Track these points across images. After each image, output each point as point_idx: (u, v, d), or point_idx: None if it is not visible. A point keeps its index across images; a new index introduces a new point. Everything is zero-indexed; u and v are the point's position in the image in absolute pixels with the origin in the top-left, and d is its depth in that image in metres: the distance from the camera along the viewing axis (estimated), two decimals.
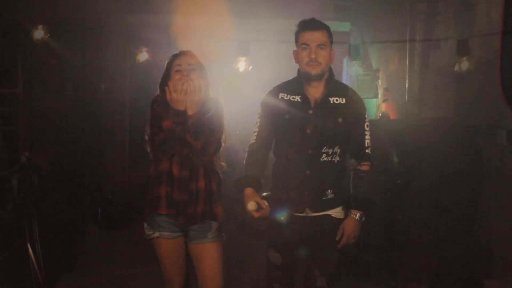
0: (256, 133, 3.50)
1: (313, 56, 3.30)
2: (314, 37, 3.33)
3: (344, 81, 10.18)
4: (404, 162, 4.57)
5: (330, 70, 3.44)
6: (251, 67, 7.82)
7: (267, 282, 3.56)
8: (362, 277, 5.34)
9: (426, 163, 4.67)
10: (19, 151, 5.49)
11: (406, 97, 6.17)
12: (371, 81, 8.22)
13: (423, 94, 6.28)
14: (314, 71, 3.32)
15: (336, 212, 3.45)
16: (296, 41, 3.44)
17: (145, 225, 3.58)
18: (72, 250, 6.31)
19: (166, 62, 3.64)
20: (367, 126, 3.41)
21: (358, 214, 3.33)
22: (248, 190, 3.31)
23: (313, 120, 3.32)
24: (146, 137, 3.64)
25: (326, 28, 3.40)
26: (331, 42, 3.41)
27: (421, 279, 4.90)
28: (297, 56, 3.44)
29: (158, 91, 3.67)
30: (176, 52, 3.69)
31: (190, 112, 3.42)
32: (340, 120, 3.33)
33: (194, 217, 3.46)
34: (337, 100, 3.37)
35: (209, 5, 8.47)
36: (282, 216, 3.39)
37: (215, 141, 3.51)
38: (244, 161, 3.54)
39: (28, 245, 4.88)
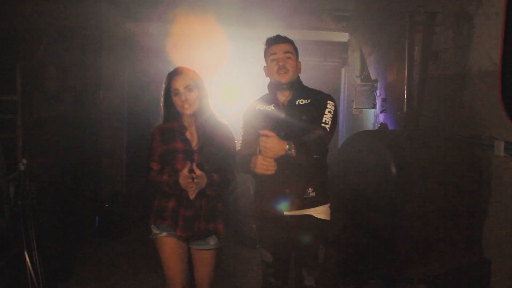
0: (241, 141, 3.73)
1: (281, 63, 3.60)
2: (281, 47, 3.66)
3: (342, 92, 10.22)
4: (402, 172, 4.58)
5: (298, 78, 3.73)
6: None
7: (263, 279, 3.84)
8: (357, 286, 5.34)
9: (424, 173, 4.68)
10: (17, 158, 5.48)
11: (405, 107, 6.17)
12: (369, 91, 8.24)
13: (421, 105, 6.29)
14: (284, 79, 3.61)
15: (319, 213, 3.62)
16: (265, 56, 3.75)
17: (153, 226, 3.75)
18: (69, 258, 6.30)
19: (164, 81, 3.76)
20: (329, 111, 3.57)
21: (288, 144, 3.31)
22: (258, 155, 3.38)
23: (284, 122, 3.56)
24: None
25: (290, 42, 3.73)
26: (297, 54, 3.73)
27: None
28: (267, 70, 3.75)
29: (161, 110, 3.81)
30: (172, 65, 3.86)
31: (194, 145, 3.70)
32: (304, 117, 3.55)
33: (198, 234, 3.68)
34: (302, 101, 3.63)
35: (207, 15, 8.50)
36: (267, 215, 3.63)
37: (222, 175, 3.72)
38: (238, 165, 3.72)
39: (26, 253, 4.87)
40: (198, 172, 3.54)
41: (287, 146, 3.25)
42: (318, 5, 9.43)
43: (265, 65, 3.76)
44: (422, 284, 4.82)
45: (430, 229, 4.72)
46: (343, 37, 9.96)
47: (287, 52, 3.63)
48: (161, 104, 3.78)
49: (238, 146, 3.72)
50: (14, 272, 4.94)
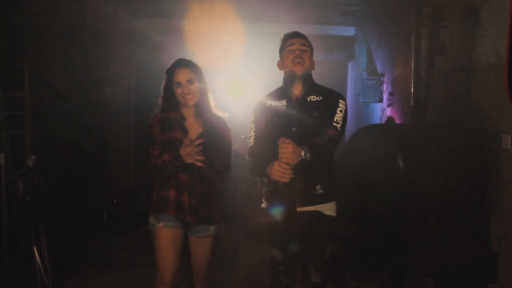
0: (253, 137, 3.75)
1: (297, 52, 3.64)
2: (298, 40, 3.71)
3: (349, 86, 10.22)
4: (409, 166, 4.58)
5: (311, 74, 3.76)
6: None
7: (272, 276, 3.78)
8: (365, 281, 5.35)
9: (431, 167, 4.67)
10: (25, 155, 5.51)
11: (411, 101, 6.17)
12: (376, 85, 8.24)
13: (428, 98, 6.29)
14: (299, 70, 3.64)
15: (327, 209, 3.63)
16: (281, 49, 3.80)
17: (151, 217, 3.81)
18: (77, 253, 6.33)
19: (165, 72, 3.86)
20: (340, 110, 3.60)
21: (304, 150, 3.34)
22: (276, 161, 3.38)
23: (295, 118, 3.58)
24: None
25: (307, 39, 3.78)
26: (312, 52, 3.77)
27: (426, 283, 4.91)
28: (281, 64, 3.79)
29: (159, 100, 3.88)
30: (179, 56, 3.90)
31: (193, 135, 3.77)
32: (315, 114, 3.57)
33: (204, 217, 3.77)
34: (314, 98, 3.65)
35: (214, 10, 8.51)
36: (277, 212, 3.61)
37: (220, 161, 3.82)
38: (251, 165, 3.69)
39: (34, 248, 4.90)
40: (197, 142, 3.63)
41: (303, 152, 3.28)
42: (325, 0, 9.43)
43: (279, 60, 3.80)
44: (429, 278, 4.83)
45: (437, 223, 4.71)
46: (350, 31, 9.96)
47: (304, 45, 3.68)
48: (161, 95, 3.87)
49: (250, 142, 3.73)
50: (23, 267, 4.97)
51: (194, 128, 3.80)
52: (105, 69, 8.96)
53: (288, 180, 3.32)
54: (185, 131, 3.76)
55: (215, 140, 3.79)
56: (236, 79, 8.98)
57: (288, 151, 3.24)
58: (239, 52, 8.69)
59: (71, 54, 7.59)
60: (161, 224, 3.72)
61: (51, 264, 5.06)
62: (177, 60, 3.87)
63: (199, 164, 3.64)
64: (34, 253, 4.89)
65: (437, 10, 6.10)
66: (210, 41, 8.86)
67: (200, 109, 3.85)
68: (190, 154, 3.58)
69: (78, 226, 6.83)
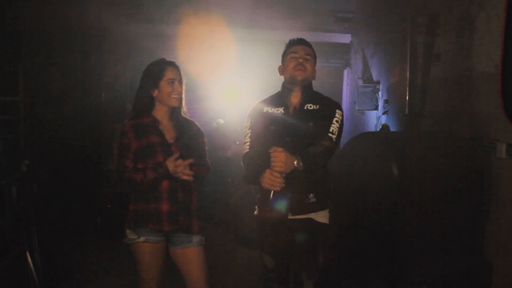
0: (248, 143, 3.69)
1: (300, 60, 3.61)
2: (303, 48, 3.69)
3: (344, 93, 10.23)
4: (404, 174, 4.58)
5: (311, 83, 3.73)
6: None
7: (264, 284, 3.78)
8: None
9: (426, 175, 4.67)
10: (19, 159, 5.49)
11: (407, 109, 6.18)
12: (371, 93, 8.25)
13: (423, 106, 6.29)
14: (300, 76, 3.60)
15: (319, 217, 3.61)
16: (284, 55, 3.76)
17: (128, 230, 3.70)
18: (71, 259, 6.30)
19: (150, 69, 3.77)
20: (337, 121, 3.56)
21: (297, 159, 3.28)
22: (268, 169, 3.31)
23: (291, 127, 3.54)
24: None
25: (312, 48, 3.76)
26: (315, 61, 3.76)
27: None
28: (282, 69, 3.76)
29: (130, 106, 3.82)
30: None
31: (169, 138, 3.69)
32: (311, 124, 3.54)
33: (183, 227, 3.65)
34: (311, 106, 3.61)
35: (209, 16, 8.51)
36: (268, 219, 3.58)
37: (201, 167, 3.75)
38: (245, 172, 3.63)
39: (27, 254, 4.88)
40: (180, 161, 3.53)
41: (296, 161, 3.23)
42: (321, 7, 9.45)
43: (280, 65, 3.78)
44: (424, 285, 4.83)
45: (432, 231, 4.72)
46: (346, 38, 9.98)
47: (307, 54, 3.66)
48: (136, 95, 3.77)
49: (245, 148, 3.68)
50: (15, 273, 4.95)
51: (168, 131, 3.70)
52: (100, 74, 8.94)
53: (279, 188, 3.27)
54: (160, 134, 3.65)
55: (190, 143, 3.72)
56: (230, 86, 8.98)
57: (281, 159, 3.19)
58: (233, 59, 8.68)
59: (66, 58, 7.58)
60: (141, 239, 3.62)
61: (44, 269, 5.04)
62: (162, 59, 3.78)
63: (187, 178, 3.55)
64: (27, 258, 4.87)
65: (433, 18, 6.12)
66: (204, 47, 8.86)
67: (176, 113, 3.77)
68: (179, 171, 3.50)
69: (71, 232, 6.80)
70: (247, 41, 8.64)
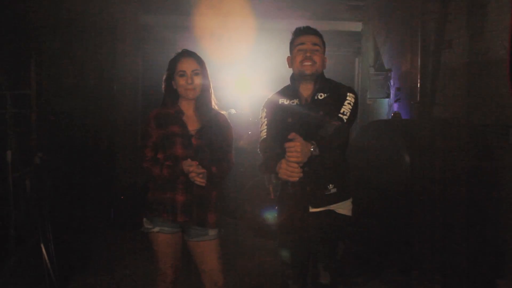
0: (265, 130, 3.60)
1: (308, 54, 3.49)
2: (310, 38, 3.55)
3: (355, 81, 10.19)
4: (416, 161, 4.57)
5: (322, 73, 3.62)
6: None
7: (281, 280, 3.67)
8: (371, 276, 5.34)
9: (438, 162, 4.66)
10: (32, 152, 5.52)
11: (418, 97, 6.15)
12: (383, 81, 8.22)
13: (435, 93, 6.27)
14: (309, 70, 3.50)
15: (340, 208, 3.52)
16: (291, 46, 3.64)
17: (145, 219, 3.71)
18: (84, 250, 6.35)
19: (168, 64, 3.74)
20: (349, 103, 3.47)
21: (312, 145, 3.15)
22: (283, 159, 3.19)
23: (305, 118, 3.45)
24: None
25: (320, 35, 3.62)
26: (324, 49, 3.61)
27: (433, 278, 4.89)
28: (291, 60, 3.63)
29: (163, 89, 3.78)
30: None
31: (191, 130, 3.65)
32: (322, 112, 3.45)
33: (197, 219, 3.63)
34: (321, 96, 3.53)
35: (221, 6, 8.50)
36: (288, 214, 3.49)
37: (219, 163, 3.68)
38: (262, 160, 3.54)
39: (42, 245, 4.91)
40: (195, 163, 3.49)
41: (312, 147, 3.10)
42: None
43: (289, 55, 3.66)
44: (437, 273, 4.82)
45: (445, 218, 4.71)
46: (357, 26, 9.93)
47: (315, 45, 3.53)
48: (163, 88, 3.76)
49: (262, 135, 3.59)
50: (30, 264, 4.98)
51: (192, 123, 3.67)
52: (112, 66, 8.96)
53: (297, 179, 3.13)
54: (183, 125, 3.63)
55: (214, 137, 3.67)
56: (243, 76, 8.96)
57: (296, 149, 3.05)
58: (246, 48, 8.67)
59: (78, 51, 7.59)
60: (156, 229, 3.64)
61: (58, 260, 5.08)
62: (182, 50, 3.74)
63: (199, 183, 3.49)
64: (41, 250, 4.90)
65: (444, 4, 6.08)
66: (217, 37, 8.85)
67: (200, 104, 3.71)
68: (191, 175, 3.46)
69: (85, 223, 6.84)
70: (259, 31, 8.61)
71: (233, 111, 8.13)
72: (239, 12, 8.49)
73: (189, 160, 3.48)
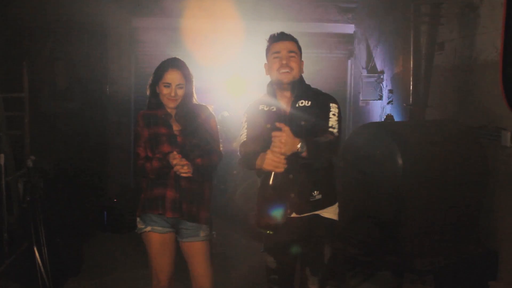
0: (245, 134, 3.58)
1: (284, 62, 3.43)
2: (285, 45, 3.48)
3: (348, 83, 10.20)
4: (408, 164, 4.58)
5: (301, 78, 3.57)
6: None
7: (266, 286, 3.66)
8: (365, 279, 5.35)
9: (430, 164, 4.68)
10: (25, 155, 5.51)
11: (411, 99, 6.17)
12: (375, 83, 8.24)
13: (427, 96, 6.29)
14: (286, 79, 3.45)
15: (326, 212, 3.50)
16: (267, 53, 3.59)
17: (138, 219, 3.78)
18: (77, 253, 6.33)
19: (155, 69, 3.82)
20: (334, 114, 3.42)
21: (301, 142, 3.12)
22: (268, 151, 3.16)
23: (286, 125, 3.26)
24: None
25: (295, 40, 3.55)
26: (301, 54, 3.55)
27: (426, 280, 4.91)
28: (268, 68, 3.58)
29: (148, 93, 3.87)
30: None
31: (176, 130, 3.74)
32: (302, 123, 3.40)
33: (187, 215, 3.68)
34: (302, 103, 3.47)
35: (213, 8, 8.50)
36: (270, 219, 3.29)
37: (206, 155, 3.75)
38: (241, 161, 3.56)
39: (35, 248, 4.90)
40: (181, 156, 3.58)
41: (300, 144, 3.08)
42: None
43: (266, 62, 3.61)
44: (429, 275, 4.84)
45: (437, 220, 4.72)
46: (349, 28, 9.95)
47: (291, 52, 3.46)
48: (148, 93, 3.86)
49: (242, 138, 3.58)
50: (24, 268, 4.98)
51: (176, 124, 3.76)
52: (105, 68, 8.95)
53: (282, 170, 3.09)
54: (168, 126, 3.73)
55: (197, 129, 3.73)
56: (235, 78, 8.96)
57: (281, 140, 3.03)
58: (237, 51, 8.68)
59: (71, 53, 7.58)
60: (148, 228, 3.69)
61: (51, 264, 5.06)
62: (169, 59, 3.80)
63: (185, 175, 3.56)
64: (34, 253, 4.90)
65: (436, 7, 6.11)
66: (209, 40, 8.85)
67: (181, 110, 3.76)
68: (176, 167, 3.54)
69: (78, 226, 6.83)
70: (251, 33, 8.61)
71: (226, 113, 8.14)
72: (232, 15, 8.50)
73: (174, 152, 3.57)
